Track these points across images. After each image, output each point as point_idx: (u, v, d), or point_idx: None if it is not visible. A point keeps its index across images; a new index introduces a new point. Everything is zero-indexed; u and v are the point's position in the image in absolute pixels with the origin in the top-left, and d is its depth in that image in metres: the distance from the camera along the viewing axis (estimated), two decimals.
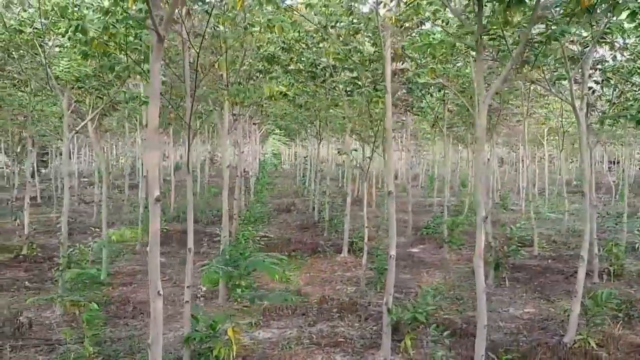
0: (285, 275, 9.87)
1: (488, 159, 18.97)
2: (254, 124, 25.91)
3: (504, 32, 5.04)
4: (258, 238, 14.80)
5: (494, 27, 5.02)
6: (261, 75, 12.95)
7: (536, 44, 5.48)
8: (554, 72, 8.74)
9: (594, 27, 7.42)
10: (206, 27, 5.91)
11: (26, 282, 11.38)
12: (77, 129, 10.17)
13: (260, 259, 6.43)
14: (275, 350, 7.93)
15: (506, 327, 9.27)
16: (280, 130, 31.10)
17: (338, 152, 16.20)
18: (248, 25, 7.49)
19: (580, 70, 8.18)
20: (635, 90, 11.34)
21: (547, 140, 26.15)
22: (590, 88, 11.31)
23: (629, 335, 8.91)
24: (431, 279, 12.53)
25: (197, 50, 6.02)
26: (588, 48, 7.46)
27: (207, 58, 7.61)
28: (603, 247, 13.09)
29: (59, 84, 9.52)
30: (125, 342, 8.13)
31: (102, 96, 9.68)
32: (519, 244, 16.32)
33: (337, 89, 12.08)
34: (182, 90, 11.95)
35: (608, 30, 7.07)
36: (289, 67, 11.98)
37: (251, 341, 8.31)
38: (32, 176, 32.05)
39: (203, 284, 6.53)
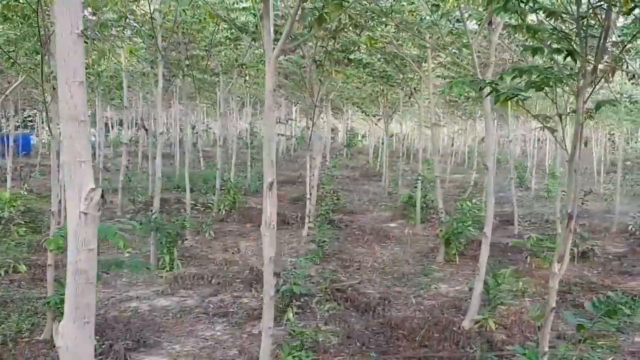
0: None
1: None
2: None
3: None
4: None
5: None
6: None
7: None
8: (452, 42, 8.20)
9: None
10: None
11: None
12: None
13: (109, 226, 6.33)
14: (159, 318, 7.91)
15: (423, 304, 8.95)
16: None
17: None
18: None
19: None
20: None
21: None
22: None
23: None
24: (385, 252, 12.23)
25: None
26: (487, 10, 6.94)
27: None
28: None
29: None
30: (20, 303, 8.24)
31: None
32: (504, 221, 15.94)
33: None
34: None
35: None
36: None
37: (148, 308, 8.35)
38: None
39: (48, 248, 6.50)
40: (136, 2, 9.47)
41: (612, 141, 35.99)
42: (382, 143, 31.31)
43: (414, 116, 33.45)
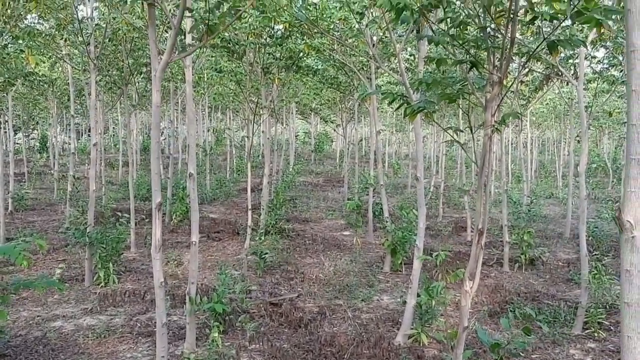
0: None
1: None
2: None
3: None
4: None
5: None
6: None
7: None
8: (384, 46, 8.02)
9: None
10: None
11: None
12: None
13: (12, 246, 6.05)
14: (82, 339, 7.59)
15: (361, 317, 8.74)
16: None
17: (208, 130, 15.66)
18: None
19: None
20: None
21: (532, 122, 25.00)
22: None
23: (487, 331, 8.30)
24: (333, 262, 12.00)
25: None
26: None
27: None
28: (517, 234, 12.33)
29: None
30: None
31: None
32: (459, 228, 15.84)
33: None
34: None
35: None
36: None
37: (73, 328, 8.03)
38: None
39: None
40: (65, 10, 9.13)
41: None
42: (348, 148, 31.29)
43: (384, 122, 33.48)
